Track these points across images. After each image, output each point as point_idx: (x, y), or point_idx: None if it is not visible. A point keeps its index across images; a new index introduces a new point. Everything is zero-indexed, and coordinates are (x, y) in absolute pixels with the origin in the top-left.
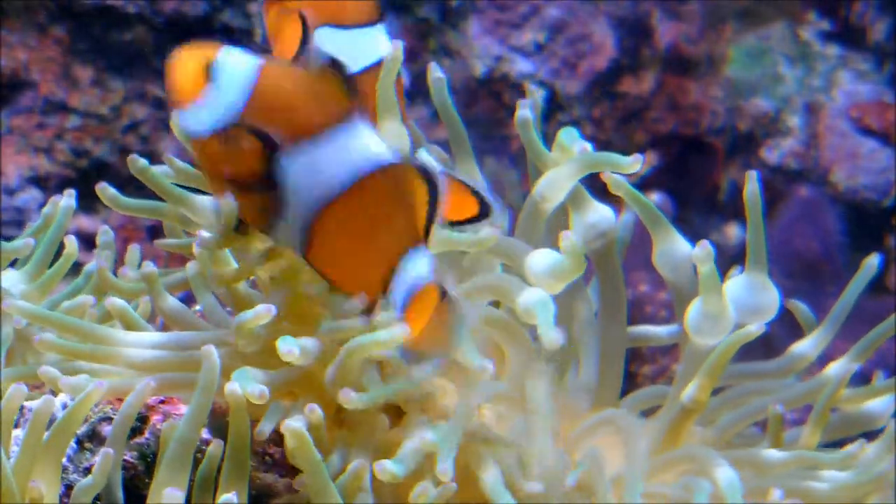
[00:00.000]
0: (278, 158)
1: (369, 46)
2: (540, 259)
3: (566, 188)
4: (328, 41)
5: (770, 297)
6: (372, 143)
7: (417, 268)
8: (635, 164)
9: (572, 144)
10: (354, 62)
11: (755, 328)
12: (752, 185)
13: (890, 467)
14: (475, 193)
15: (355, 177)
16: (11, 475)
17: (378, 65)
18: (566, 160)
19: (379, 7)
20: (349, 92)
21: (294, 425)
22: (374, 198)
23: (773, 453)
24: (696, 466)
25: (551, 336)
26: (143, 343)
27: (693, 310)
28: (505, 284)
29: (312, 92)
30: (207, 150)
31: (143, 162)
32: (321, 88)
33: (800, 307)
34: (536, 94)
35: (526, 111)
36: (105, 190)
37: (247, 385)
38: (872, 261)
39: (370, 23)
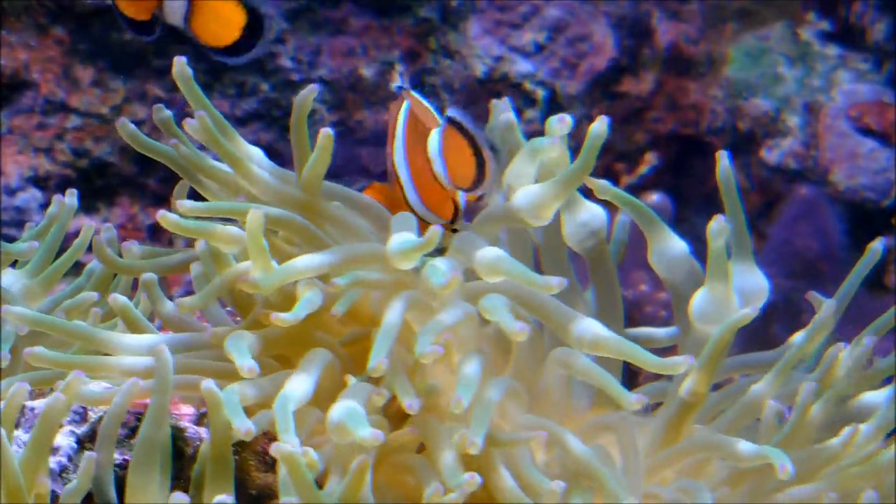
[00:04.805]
0: None
1: None
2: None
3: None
4: None
5: (759, 281)
6: None
7: None
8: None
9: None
10: None
11: (749, 310)
12: (723, 163)
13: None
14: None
15: None
16: (19, 472)
17: None
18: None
19: None
20: None
21: (285, 448)
22: None
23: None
24: (704, 456)
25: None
26: (141, 347)
27: (698, 297)
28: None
29: None
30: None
31: (167, 113)
32: None
33: (817, 298)
34: (508, 105)
35: (509, 114)
36: (125, 126)
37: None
38: (876, 246)
39: None
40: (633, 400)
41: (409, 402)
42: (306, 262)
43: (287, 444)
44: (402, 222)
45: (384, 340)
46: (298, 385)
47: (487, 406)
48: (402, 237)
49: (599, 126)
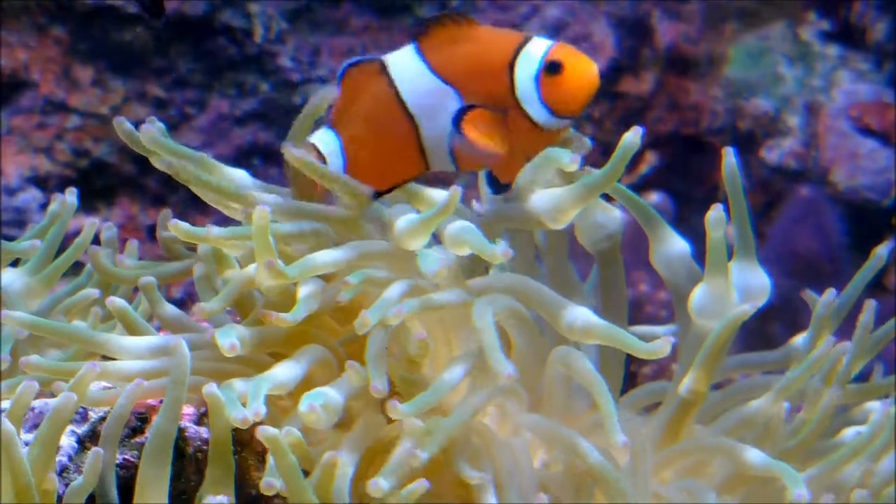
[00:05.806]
0: None
1: None
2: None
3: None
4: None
5: (761, 280)
6: None
7: None
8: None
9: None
10: None
11: (748, 307)
12: (729, 160)
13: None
14: None
15: None
16: (29, 470)
17: None
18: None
19: None
20: None
21: (270, 431)
22: None
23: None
24: (704, 457)
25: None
26: (140, 348)
27: (697, 291)
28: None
29: None
30: None
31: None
32: None
33: (812, 296)
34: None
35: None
36: (122, 125)
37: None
38: (881, 251)
39: None
40: (621, 442)
41: (375, 385)
42: (325, 256)
43: (270, 429)
44: (399, 210)
45: (378, 308)
46: (281, 370)
47: (448, 425)
48: (406, 217)
49: (633, 137)
